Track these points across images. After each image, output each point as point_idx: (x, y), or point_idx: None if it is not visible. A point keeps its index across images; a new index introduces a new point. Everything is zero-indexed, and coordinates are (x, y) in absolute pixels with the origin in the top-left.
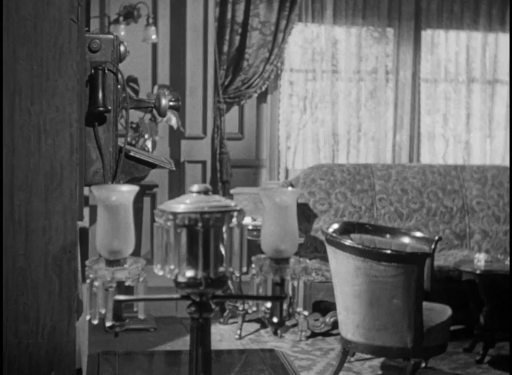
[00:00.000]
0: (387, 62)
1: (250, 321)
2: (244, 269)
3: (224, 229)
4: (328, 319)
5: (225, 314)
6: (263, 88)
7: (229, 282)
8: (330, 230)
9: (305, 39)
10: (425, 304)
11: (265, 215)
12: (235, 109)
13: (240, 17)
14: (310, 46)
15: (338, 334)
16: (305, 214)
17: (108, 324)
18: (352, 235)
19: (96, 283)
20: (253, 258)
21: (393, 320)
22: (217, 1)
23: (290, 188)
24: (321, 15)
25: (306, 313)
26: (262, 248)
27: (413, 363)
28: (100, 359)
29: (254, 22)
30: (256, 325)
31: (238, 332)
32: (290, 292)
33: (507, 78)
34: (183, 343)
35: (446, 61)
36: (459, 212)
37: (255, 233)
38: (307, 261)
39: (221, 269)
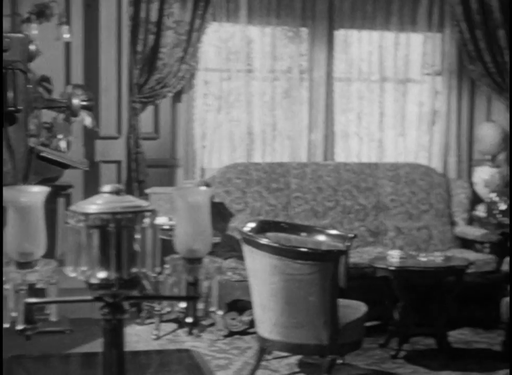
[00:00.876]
0: (301, 61)
1: (167, 321)
2: (158, 269)
3: (137, 229)
4: (245, 317)
5: (142, 314)
6: (178, 88)
7: (146, 282)
8: (246, 229)
9: (220, 39)
10: (341, 301)
11: (177, 215)
12: (150, 108)
13: (154, 17)
14: (225, 45)
15: (255, 332)
16: (221, 213)
17: (19, 327)
18: (268, 234)
19: (6, 286)
20: (167, 258)
21: (310, 317)
22: (131, 0)
23: (202, 188)
24: (236, 15)
25: (220, 312)
26: (175, 248)
27: (330, 360)
28: (13, 362)
29: (168, 21)
30: (174, 325)
31: (155, 332)
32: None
33: (419, 77)
34: (99, 345)
35: (359, 60)
36: (373, 209)
37: (171, 232)
38: (223, 260)
39: (134, 270)
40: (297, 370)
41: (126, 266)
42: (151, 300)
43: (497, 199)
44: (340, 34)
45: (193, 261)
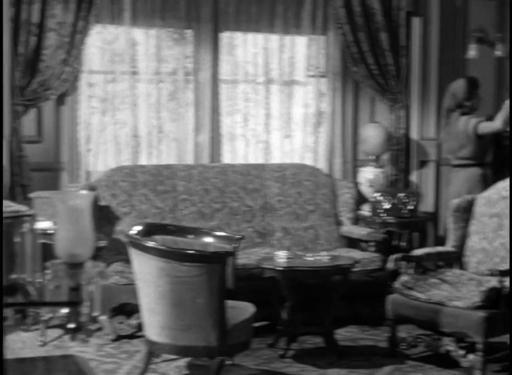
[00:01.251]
0: (186, 63)
1: (53, 326)
2: (39, 275)
3: (15, 234)
4: (133, 321)
5: (27, 320)
6: (62, 90)
7: (31, 288)
8: (133, 232)
9: (104, 41)
10: (229, 302)
11: (58, 219)
12: (33, 111)
13: (35, 18)
14: (109, 47)
15: (144, 336)
16: (107, 216)
17: None
18: (155, 237)
19: None
20: (48, 264)
21: (198, 319)
22: (12, 1)
23: (83, 191)
24: (120, 17)
25: (103, 317)
26: (56, 253)
27: (218, 361)
28: None
29: (51, 23)
30: (60, 331)
31: (41, 338)
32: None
33: (303, 79)
34: None
35: (245, 62)
36: (260, 210)
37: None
38: (106, 264)
39: (13, 276)
40: (186, 372)
41: (4, 273)
42: (32, 307)
43: (381, 198)
44: (225, 36)
45: (74, 266)
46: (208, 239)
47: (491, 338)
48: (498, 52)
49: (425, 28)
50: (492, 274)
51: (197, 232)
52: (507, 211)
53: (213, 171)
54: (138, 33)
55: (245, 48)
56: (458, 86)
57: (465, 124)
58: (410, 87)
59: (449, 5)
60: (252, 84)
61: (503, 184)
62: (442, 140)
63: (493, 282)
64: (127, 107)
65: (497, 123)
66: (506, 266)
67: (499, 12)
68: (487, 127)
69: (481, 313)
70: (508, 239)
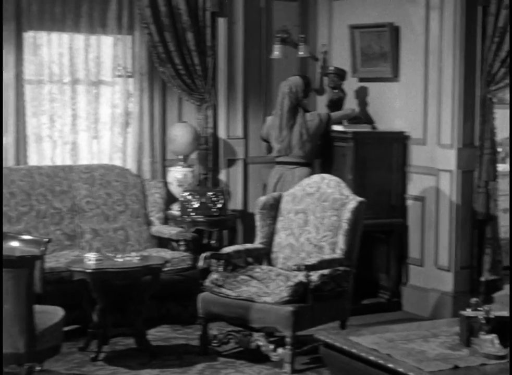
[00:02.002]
0: None
1: None
2: None
3: None
4: None
5: None
6: None
7: None
8: None
9: None
10: (37, 307)
11: None
12: None
13: None
14: None
15: None
16: None
17: None
18: None
19: None
20: None
21: (5, 326)
22: None
23: None
24: None
25: None
26: None
27: (27, 368)
28: None
29: None
30: None
31: None
32: None
33: (111, 79)
34: None
35: (50, 62)
36: (68, 212)
37: None
38: None
39: None
40: None
41: None
42: None
43: (190, 197)
44: (29, 36)
45: None
46: (15, 244)
47: (299, 332)
48: (301, 52)
49: (230, 28)
50: (299, 269)
51: (3, 236)
52: (312, 207)
53: (19, 173)
54: None
55: (50, 48)
56: (297, 84)
57: (318, 119)
58: (217, 87)
59: (253, 6)
60: (58, 85)
61: (308, 181)
62: (278, 139)
63: (300, 276)
64: None
65: (346, 110)
66: (312, 261)
67: (301, 14)
68: (338, 114)
69: (289, 308)
70: (313, 234)
